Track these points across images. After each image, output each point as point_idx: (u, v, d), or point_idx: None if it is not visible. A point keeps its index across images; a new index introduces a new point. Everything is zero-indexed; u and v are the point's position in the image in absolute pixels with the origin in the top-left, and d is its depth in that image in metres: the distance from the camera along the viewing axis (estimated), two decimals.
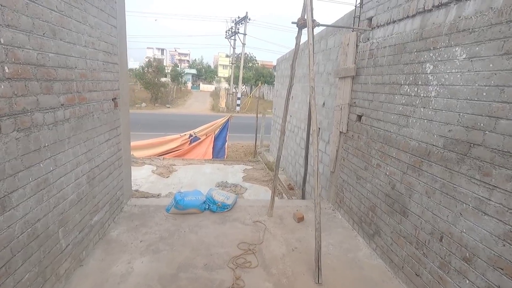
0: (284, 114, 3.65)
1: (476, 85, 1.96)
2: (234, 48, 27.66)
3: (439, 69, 2.30)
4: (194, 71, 51.50)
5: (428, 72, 2.41)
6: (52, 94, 2.06)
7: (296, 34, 3.32)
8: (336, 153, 4.13)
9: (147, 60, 30.45)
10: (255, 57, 44.12)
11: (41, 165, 1.96)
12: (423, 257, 2.37)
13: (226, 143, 9.40)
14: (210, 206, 3.84)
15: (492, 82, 1.84)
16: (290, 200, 5.30)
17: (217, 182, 6.35)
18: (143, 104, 23.83)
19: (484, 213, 1.85)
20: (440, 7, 2.33)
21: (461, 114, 2.07)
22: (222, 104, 25.72)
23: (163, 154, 8.48)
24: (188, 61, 65.48)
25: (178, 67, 42.28)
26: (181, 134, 9.07)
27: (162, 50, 65.74)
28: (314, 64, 2.83)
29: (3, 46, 1.60)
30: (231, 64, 28.98)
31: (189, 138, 8.97)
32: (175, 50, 68.86)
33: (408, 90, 2.65)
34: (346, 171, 3.85)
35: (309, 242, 3.21)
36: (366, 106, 3.40)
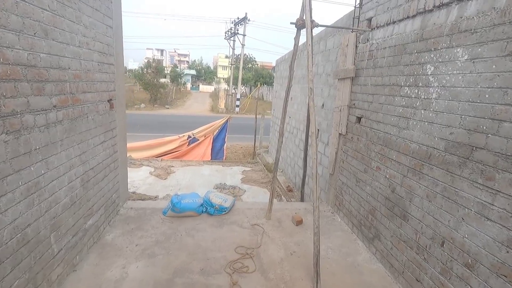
0: (282, 115, 3.60)
1: (479, 87, 1.91)
2: (233, 49, 27.63)
3: (440, 71, 2.25)
4: (193, 72, 51.46)
5: (429, 73, 2.36)
6: (44, 95, 2.01)
7: (295, 35, 3.28)
8: (335, 155, 4.08)
9: (146, 60, 30.40)
10: (254, 58, 44.15)
11: (32, 168, 1.91)
12: (424, 262, 2.32)
13: (225, 144, 9.34)
14: (207, 209, 3.78)
15: (495, 84, 1.80)
16: (288, 202, 5.24)
17: (216, 184, 6.29)
18: (142, 105, 23.75)
19: (487, 218, 1.81)
20: (441, 7, 2.29)
21: (463, 116, 2.02)
22: (222, 105, 25.67)
23: (161, 156, 8.41)
24: (187, 62, 65.46)
25: (177, 68, 42.26)
26: (180, 135, 9.01)
27: (162, 51, 65.70)
28: (313, 65, 2.79)
29: None
30: (230, 65, 28.94)
31: (187, 139, 8.90)
32: (175, 51, 68.83)
33: (409, 92, 2.60)
34: (345, 173, 3.80)
35: (308, 245, 3.15)
36: (365, 108, 3.35)
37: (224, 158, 9.14)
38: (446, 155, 2.14)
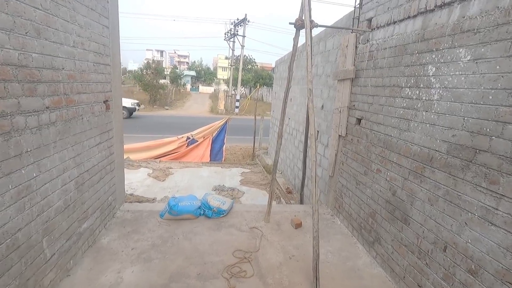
0: (281, 116, 3.55)
1: (482, 88, 1.86)
2: (233, 50, 27.61)
3: (442, 71, 2.20)
4: (193, 73, 51.43)
5: (431, 74, 2.32)
6: (36, 96, 1.96)
7: (294, 35, 3.23)
8: (335, 157, 4.03)
9: (146, 61, 30.38)
10: (254, 59, 44.13)
11: (23, 171, 1.85)
12: (426, 267, 2.27)
13: (224, 146, 9.29)
14: (205, 212, 3.73)
15: (499, 85, 1.75)
16: (288, 205, 5.19)
17: (214, 185, 6.24)
18: (142, 106, 23.70)
19: (491, 223, 1.75)
20: (442, 7, 2.24)
21: (465, 118, 1.97)
22: (221, 106, 25.64)
23: (159, 157, 8.36)
24: (187, 63, 65.45)
25: (177, 69, 42.22)
26: (179, 137, 8.96)
27: (162, 52, 65.70)
28: (312, 66, 2.74)
29: None
30: (230, 66, 28.92)
31: (186, 140, 8.85)
32: (175, 52, 68.82)
33: (410, 93, 2.56)
34: (345, 175, 3.75)
35: (307, 249, 3.10)
36: (365, 109, 3.30)
37: (223, 159, 9.08)
38: (449, 158, 2.09)
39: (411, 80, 2.54)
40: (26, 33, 1.83)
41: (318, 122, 4.89)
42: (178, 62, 66.00)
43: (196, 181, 6.59)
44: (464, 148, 1.96)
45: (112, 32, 3.22)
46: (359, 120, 3.47)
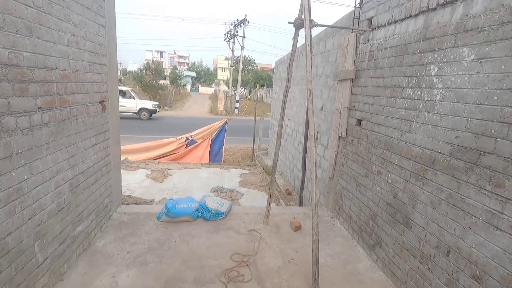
0: (280, 117, 3.49)
1: (486, 88, 1.81)
2: (233, 50, 27.58)
3: (444, 71, 2.15)
4: (193, 73, 51.35)
5: (433, 74, 2.26)
6: (27, 96, 1.90)
7: (293, 35, 3.18)
8: (335, 159, 3.97)
9: (145, 62, 30.36)
10: (254, 60, 44.06)
11: (13, 173, 1.80)
12: (428, 272, 2.21)
13: (224, 147, 9.24)
14: (203, 214, 3.67)
15: (504, 85, 1.70)
16: (287, 207, 5.13)
17: (213, 187, 6.18)
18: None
19: (496, 227, 1.70)
20: (445, 6, 2.19)
21: (469, 119, 1.92)
22: (221, 106, 25.59)
23: (158, 158, 8.30)
24: (187, 63, 65.40)
25: (177, 69, 42.19)
26: (178, 137, 8.90)
27: (162, 52, 65.65)
28: (312, 67, 2.69)
29: None
30: (230, 67, 28.88)
31: (185, 141, 8.80)
32: (175, 53, 68.78)
33: (411, 94, 2.50)
34: (345, 177, 3.69)
35: (307, 252, 3.04)
36: (366, 110, 3.25)
37: (222, 160, 9.03)
38: (452, 160, 2.04)
39: (413, 80, 2.49)
40: (17, 31, 1.78)
41: (317, 123, 4.83)
42: (178, 62, 65.99)
43: (195, 182, 6.52)
44: (468, 150, 1.91)
45: (108, 32, 3.17)
46: (359, 121, 3.41)
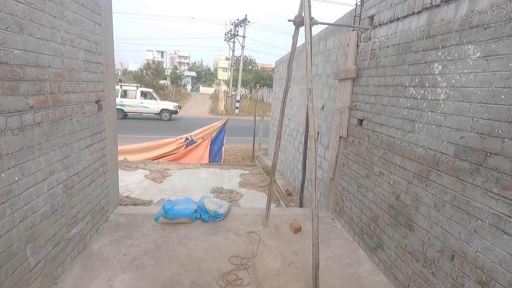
0: (280, 117, 3.43)
1: (493, 86, 1.74)
2: (233, 50, 27.53)
3: (449, 70, 2.08)
4: (193, 73, 51.31)
5: (436, 73, 2.20)
6: (18, 95, 1.85)
7: (293, 33, 3.12)
8: (335, 159, 3.91)
9: (146, 62, 30.34)
10: (254, 60, 44.00)
11: (3, 175, 1.74)
12: (432, 276, 2.14)
13: (223, 147, 9.17)
14: (201, 215, 3.61)
15: None
16: (287, 208, 5.07)
17: (212, 187, 6.12)
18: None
19: (503, 232, 1.63)
20: (449, 2, 2.13)
21: (475, 119, 1.85)
22: (221, 106, 25.53)
23: (158, 158, 8.24)
24: (188, 63, 65.35)
25: (177, 69, 42.15)
26: (177, 138, 8.84)
27: (162, 52, 65.57)
28: (312, 66, 2.63)
29: None
30: (230, 67, 28.82)
31: (185, 141, 8.74)
32: (175, 53, 68.71)
33: (414, 93, 2.44)
34: (346, 178, 3.63)
35: (307, 255, 2.98)
36: (367, 110, 3.18)
37: (222, 160, 8.96)
38: (456, 161, 1.97)
39: (416, 79, 2.42)
40: (6, 28, 1.72)
41: (318, 123, 4.77)
42: (179, 62, 65.94)
43: (194, 183, 6.47)
44: (474, 150, 1.84)
45: (105, 30, 3.11)
46: (360, 121, 3.35)
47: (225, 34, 27.10)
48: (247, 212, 3.97)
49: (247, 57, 39.85)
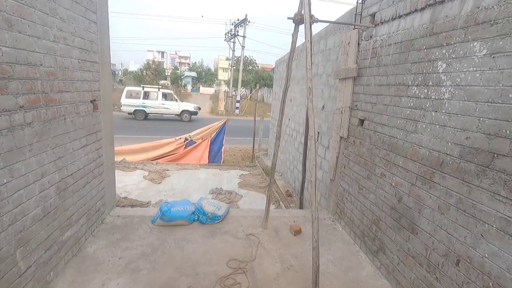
0: (279, 117, 3.36)
1: (500, 85, 1.67)
2: (233, 50, 27.46)
3: (453, 68, 2.01)
4: (194, 74, 51.26)
5: (440, 71, 2.13)
6: (7, 94, 1.78)
7: (293, 31, 3.05)
8: (336, 160, 3.84)
9: (146, 62, 30.30)
10: (255, 60, 43.94)
11: None
12: (436, 282, 2.07)
13: (223, 147, 9.10)
14: (199, 217, 3.54)
15: None
16: (286, 209, 5.00)
17: (211, 188, 6.05)
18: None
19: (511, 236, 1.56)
20: None
21: (481, 119, 1.78)
22: (221, 107, 25.47)
23: (157, 159, 8.17)
24: (188, 64, 65.30)
25: (178, 69, 42.10)
26: (176, 138, 8.77)
27: (163, 52, 65.54)
28: (312, 65, 2.56)
29: None
30: (230, 67, 28.76)
31: (184, 141, 8.67)
32: (176, 53, 68.67)
33: (417, 92, 2.37)
34: (347, 179, 3.56)
35: (307, 258, 2.91)
36: (369, 110, 3.11)
37: (221, 161, 8.90)
38: (461, 163, 1.90)
39: (419, 77, 2.36)
40: None
41: (318, 123, 4.70)
42: (179, 63, 65.92)
43: (193, 183, 6.40)
44: (480, 152, 1.77)
45: (100, 28, 3.05)
46: (361, 121, 3.28)
47: (225, 34, 27.03)
48: (246, 214, 3.90)
49: (247, 57, 39.82)
